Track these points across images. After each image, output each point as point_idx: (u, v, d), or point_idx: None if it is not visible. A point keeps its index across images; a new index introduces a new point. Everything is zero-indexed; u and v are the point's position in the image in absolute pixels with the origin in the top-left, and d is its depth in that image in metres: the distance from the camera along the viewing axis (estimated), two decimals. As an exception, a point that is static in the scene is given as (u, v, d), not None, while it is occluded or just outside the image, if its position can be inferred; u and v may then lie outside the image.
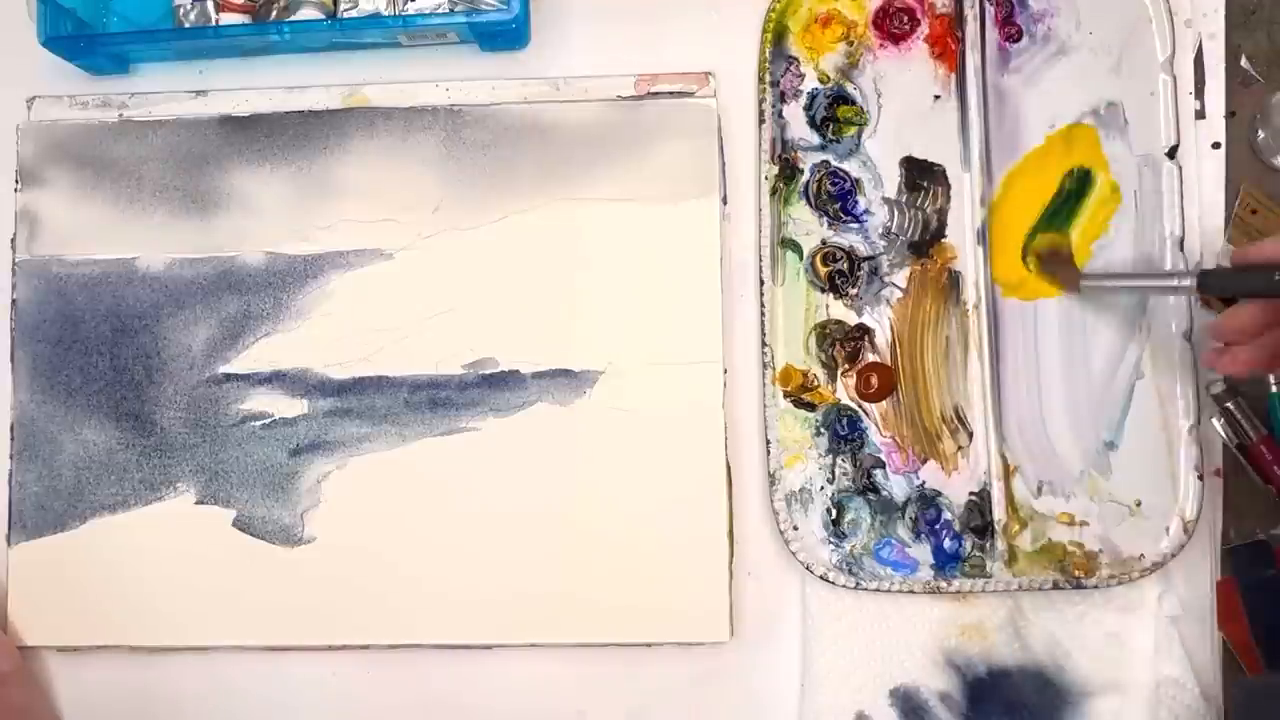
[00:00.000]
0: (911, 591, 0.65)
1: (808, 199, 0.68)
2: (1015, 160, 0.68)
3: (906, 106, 0.68)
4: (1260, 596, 0.62)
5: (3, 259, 0.71)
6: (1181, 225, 0.66)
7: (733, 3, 0.69)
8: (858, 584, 0.65)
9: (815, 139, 0.69)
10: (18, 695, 0.67)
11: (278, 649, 0.68)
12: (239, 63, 0.71)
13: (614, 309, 0.67)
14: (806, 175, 0.68)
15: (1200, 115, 0.68)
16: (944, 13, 0.68)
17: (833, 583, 0.66)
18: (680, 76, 0.69)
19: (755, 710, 0.67)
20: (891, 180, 0.68)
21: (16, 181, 0.70)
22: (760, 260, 0.68)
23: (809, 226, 0.68)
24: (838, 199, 0.68)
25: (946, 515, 0.66)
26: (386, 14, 0.69)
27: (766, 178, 0.68)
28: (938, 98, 0.68)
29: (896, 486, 0.66)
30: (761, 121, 0.68)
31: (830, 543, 0.66)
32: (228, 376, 0.68)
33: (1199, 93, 0.68)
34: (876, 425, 0.67)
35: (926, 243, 0.68)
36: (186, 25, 0.70)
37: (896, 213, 0.68)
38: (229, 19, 0.69)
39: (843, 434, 0.67)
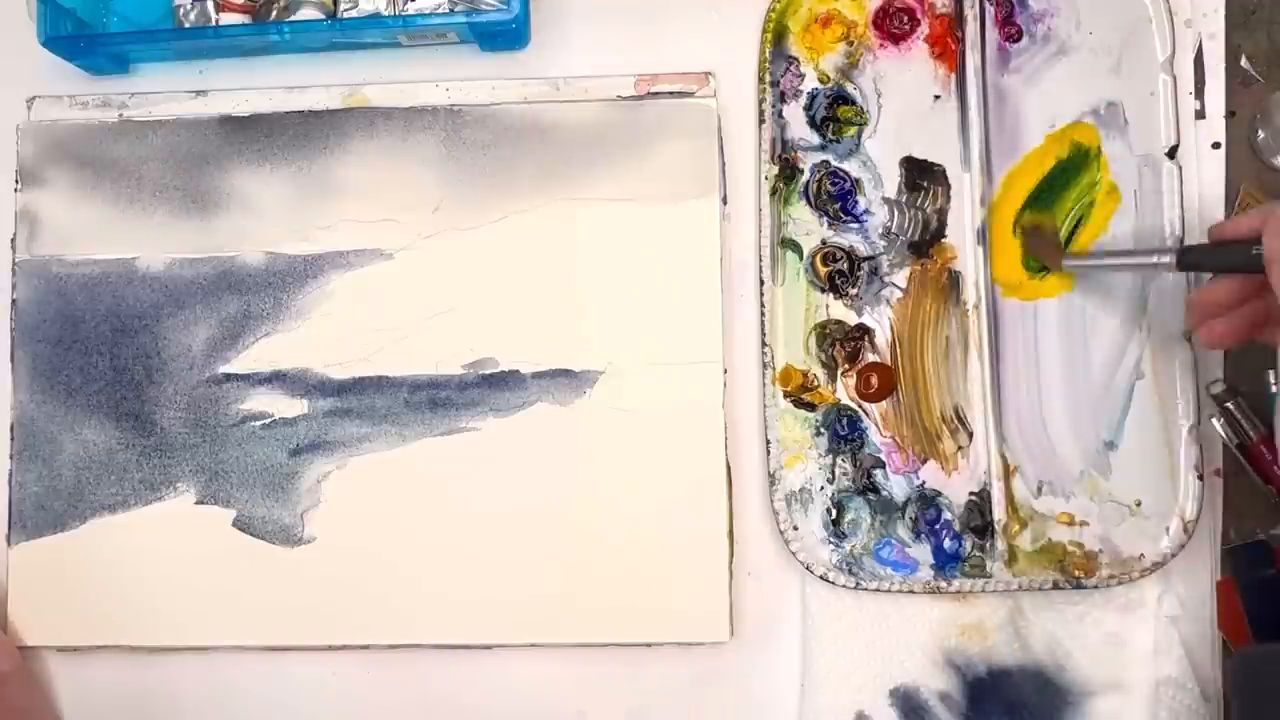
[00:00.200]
0: (911, 591, 0.65)
1: (808, 199, 0.68)
2: (1015, 160, 0.68)
3: (906, 106, 0.68)
4: (1260, 596, 0.62)
5: (3, 259, 0.71)
6: (1182, 225, 0.66)
7: (733, 3, 0.69)
8: (858, 584, 0.65)
9: (815, 139, 0.69)
10: (18, 695, 0.67)
11: (278, 649, 0.68)
12: (239, 63, 0.71)
13: (614, 309, 0.67)
14: (806, 175, 0.68)
15: (1200, 115, 0.68)
16: (944, 13, 0.68)
17: (833, 583, 0.66)
18: (680, 76, 0.69)
19: (755, 710, 0.67)
20: (891, 180, 0.68)
21: (16, 181, 0.70)
22: (760, 260, 0.68)
23: (809, 226, 0.68)
24: (838, 199, 0.68)
25: (946, 515, 0.66)
26: (386, 14, 0.69)
27: (766, 178, 0.68)
28: (938, 98, 0.68)
29: (896, 486, 0.66)
30: (761, 121, 0.68)
31: (830, 543, 0.66)
32: (228, 376, 0.69)
33: (1199, 93, 0.68)
34: (876, 425, 0.67)
35: (926, 243, 0.68)
36: (186, 25, 0.70)
37: (896, 213, 0.68)
38: (229, 19, 0.69)
39: (843, 434, 0.67)
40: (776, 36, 0.69)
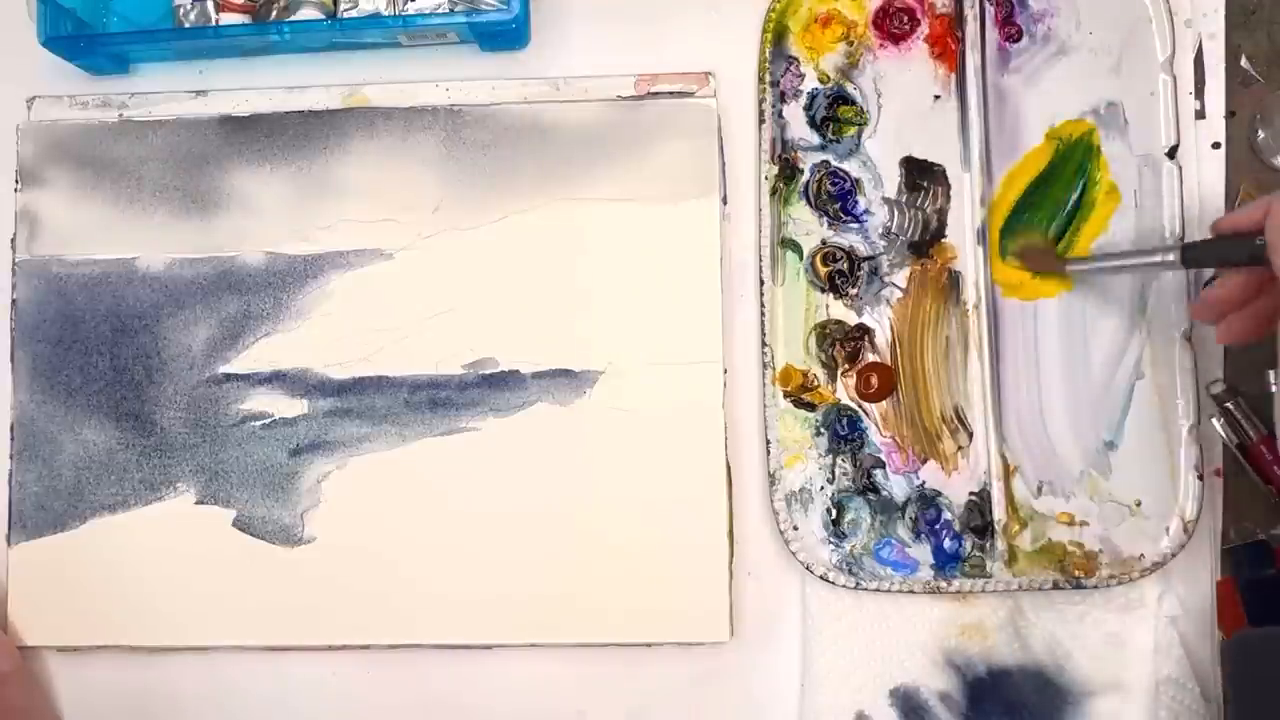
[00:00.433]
0: (911, 591, 0.65)
1: (808, 199, 0.68)
2: (1015, 160, 0.68)
3: (906, 106, 0.68)
4: (1260, 596, 0.62)
5: (3, 259, 0.71)
6: (1181, 225, 0.66)
7: (733, 3, 0.69)
8: (858, 584, 0.65)
9: (815, 139, 0.69)
10: (18, 695, 0.67)
11: (278, 649, 0.68)
12: (239, 63, 0.71)
13: (614, 309, 0.67)
14: (806, 175, 0.68)
15: (1200, 115, 0.68)
16: (944, 13, 0.68)
17: (833, 583, 0.66)
18: (680, 76, 0.69)
19: (755, 710, 0.67)
20: (891, 180, 0.68)
21: (16, 181, 0.70)
22: (760, 260, 0.68)
23: (809, 226, 0.68)
24: (838, 199, 0.68)
25: (946, 515, 0.66)
26: (386, 14, 0.69)
27: (766, 178, 0.68)
28: (938, 98, 0.68)
29: (896, 486, 0.66)
30: (761, 121, 0.68)
31: (830, 543, 0.66)
32: (228, 376, 0.69)
33: (1199, 93, 0.68)
34: (876, 425, 0.67)
35: (926, 243, 0.68)
36: (186, 25, 0.70)
37: (896, 213, 0.68)
38: (229, 19, 0.69)
39: (843, 434, 0.67)
40: (776, 36, 0.69)
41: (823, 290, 0.68)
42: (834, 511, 0.66)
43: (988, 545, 0.66)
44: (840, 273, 0.68)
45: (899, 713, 0.66)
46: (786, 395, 0.67)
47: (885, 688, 0.66)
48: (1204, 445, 0.65)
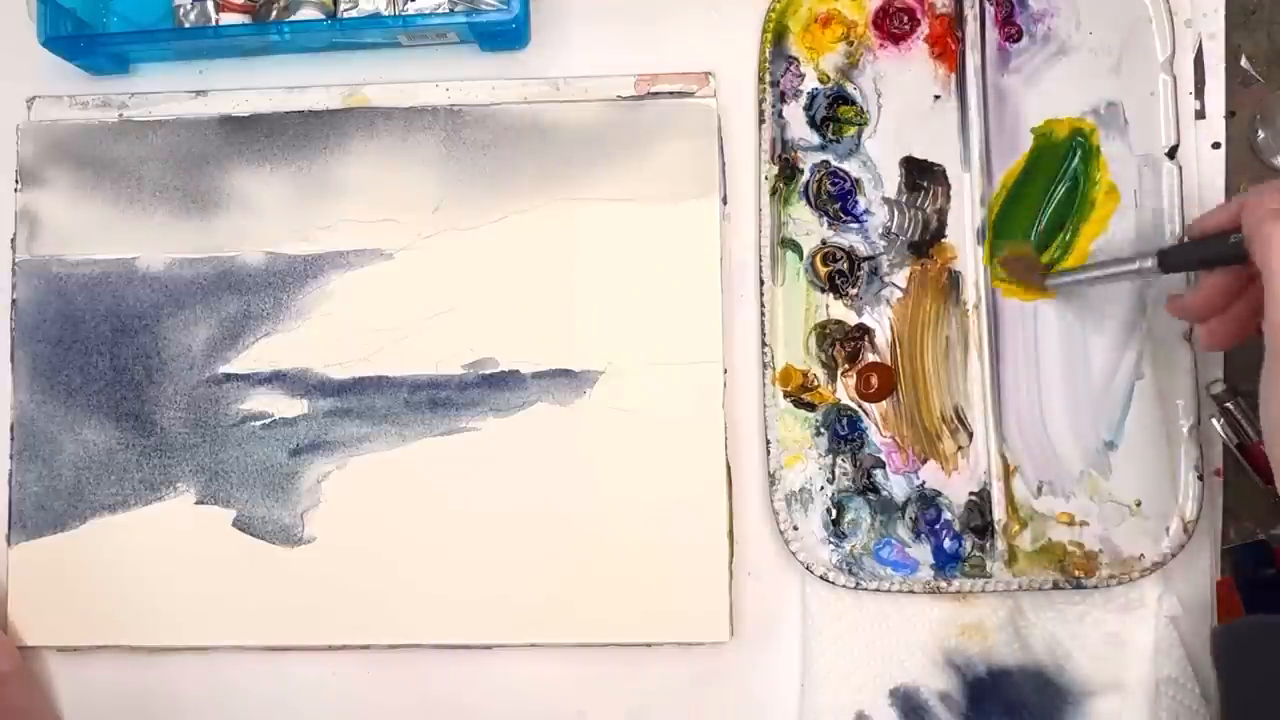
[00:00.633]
0: (911, 591, 0.65)
1: (808, 199, 0.68)
2: (1015, 160, 0.68)
3: (906, 106, 0.68)
4: (1260, 596, 0.62)
5: (3, 259, 0.71)
6: (1181, 226, 0.66)
7: (733, 3, 0.69)
8: (858, 584, 0.65)
9: (815, 139, 0.69)
10: (18, 695, 0.67)
11: (278, 649, 0.68)
12: (239, 63, 0.71)
13: (614, 309, 0.67)
14: (806, 175, 0.68)
15: (1200, 115, 0.68)
16: (944, 13, 0.68)
17: (833, 583, 0.66)
18: (680, 76, 0.69)
19: (755, 710, 0.67)
20: (891, 180, 0.68)
21: (16, 181, 0.70)
22: (760, 260, 0.68)
23: (809, 226, 0.68)
24: (838, 199, 0.68)
25: (946, 515, 0.66)
26: (386, 14, 0.69)
27: (766, 178, 0.68)
28: (938, 98, 0.68)
29: (896, 486, 0.66)
30: (761, 121, 0.68)
31: (830, 543, 0.66)
32: (228, 376, 0.69)
33: (1199, 93, 0.68)
34: (876, 425, 0.67)
35: (926, 243, 0.68)
36: (186, 25, 0.70)
37: (896, 213, 0.68)
38: (229, 19, 0.69)
39: (843, 434, 0.67)
40: (776, 36, 0.69)
41: (823, 290, 0.68)
42: (834, 511, 0.66)
43: (988, 545, 0.66)
44: (840, 273, 0.68)
45: (899, 713, 0.66)
46: (786, 395, 0.67)
47: (885, 688, 0.66)
48: (1204, 445, 0.65)
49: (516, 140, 0.68)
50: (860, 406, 0.67)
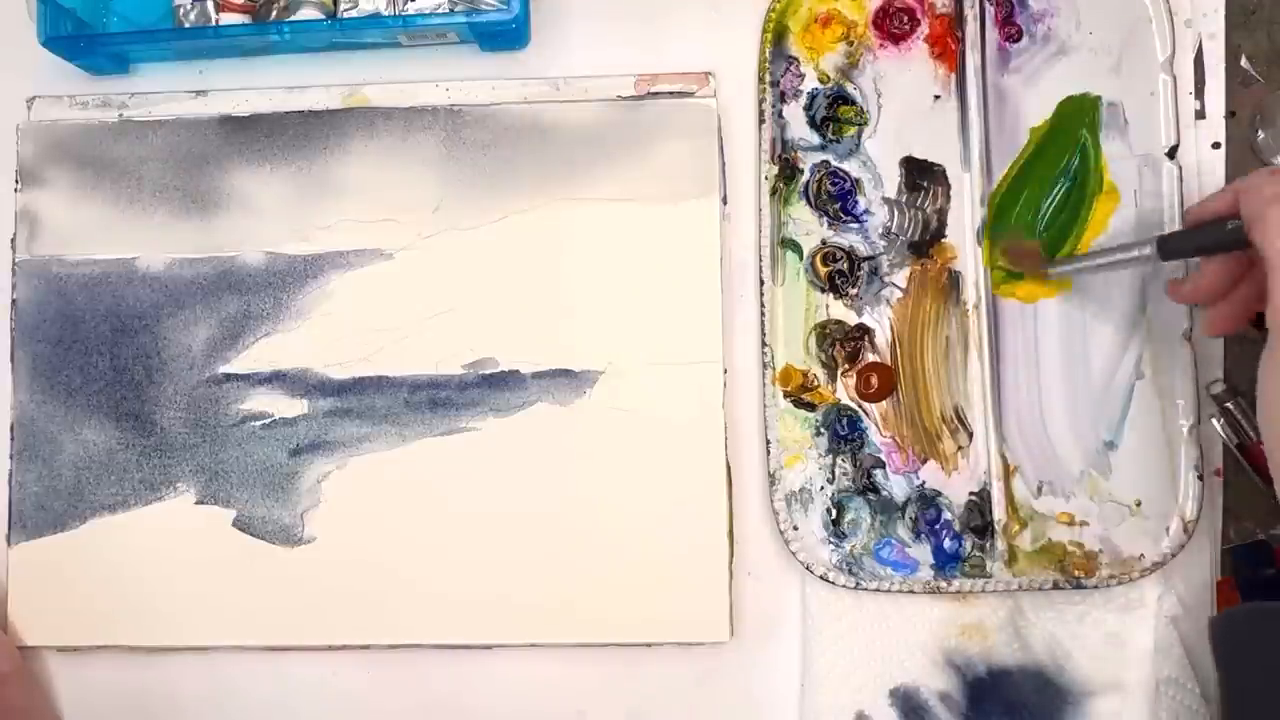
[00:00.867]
0: (911, 591, 0.65)
1: (808, 199, 0.68)
2: (1016, 158, 0.68)
3: (906, 106, 0.68)
4: (1260, 596, 0.62)
5: (3, 259, 0.71)
6: (1181, 225, 0.66)
7: (733, 3, 0.69)
8: (858, 584, 0.65)
9: (815, 139, 0.69)
10: (18, 695, 0.67)
11: (278, 649, 0.68)
12: (239, 63, 0.71)
13: (614, 309, 0.67)
14: (806, 175, 0.68)
15: (1200, 115, 0.68)
16: (944, 13, 0.68)
17: (833, 583, 0.66)
18: (680, 76, 0.69)
19: (755, 710, 0.67)
20: (891, 180, 0.68)
21: (16, 181, 0.70)
22: (760, 260, 0.68)
23: (809, 226, 0.68)
24: (838, 199, 0.68)
25: (946, 515, 0.66)
26: (386, 14, 0.69)
27: (766, 178, 0.68)
28: (938, 98, 0.68)
29: (896, 486, 0.66)
30: (761, 121, 0.68)
31: (830, 543, 0.66)
32: (228, 376, 0.69)
33: (1199, 93, 0.68)
34: (876, 425, 0.67)
35: (926, 243, 0.68)
36: (186, 25, 0.70)
37: (896, 213, 0.68)
38: (229, 19, 0.69)
39: (843, 434, 0.67)
40: (776, 36, 0.69)
41: (823, 290, 0.68)
42: (834, 511, 0.66)
43: (988, 545, 0.66)
44: (840, 273, 0.68)
45: (899, 713, 0.66)
46: (786, 395, 0.67)
47: (885, 688, 0.66)
48: (1204, 445, 0.65)
49: (516, 140, 0.68)
50: (860, 406, 0.67)
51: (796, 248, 0.68)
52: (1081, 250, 0.66)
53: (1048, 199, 0.67)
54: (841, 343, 0.67)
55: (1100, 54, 0.67)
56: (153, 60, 0.72)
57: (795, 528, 0.66)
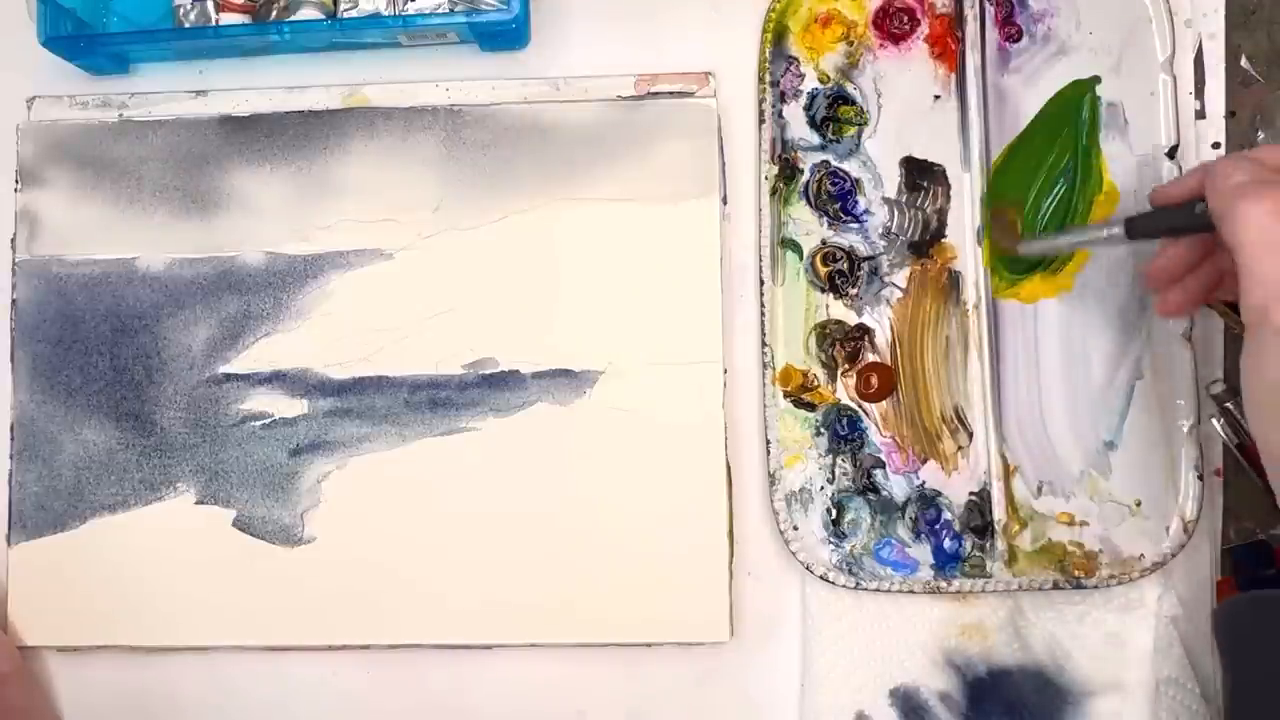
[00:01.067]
0: (911, 591, 0.65)
1: (808, 199, 0.68)
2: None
3: (906, 106, 0.68)
4: (1260, 596, 0.62)
5: (3, 259, 0.71)
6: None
7: (733, 3, 0.69)
8: (858, 584, 0.65)
9: (815, 139, 0.69)
10: (18, 695, 0.67)
11: (278, 649, 0.68)
12: (239, 63, 0.71)
13: (614, 309, 0.67)
14: (806, 175, 0.68)
15: (1200, 115, 0.68)
16: (944, 13, 0.68)
17: (833, 583, 0.66)
18: (680, 76, 0.69)
19: (755, 710, 0.67)
20: (891, 180, 0.68)
21: (16, 181, 0.70)
22: (760, 260, 0.68)
23: (809, 226, 0.68)
24: (838, 199, 0.68)
25: (946, 515, 0.66)
26: (386, 14, 0.69)
27: (766, 178, 0.68)
28: (938, 98, 0.68)
29: (896, 486, 0.66)
30: (761, 121, 0.68)
31: (830, 543, 0.66)
32: (228, 376, 0.69)
33: (1199, 93, 0.68)
34: (876, 425, 0.67)
35: (926, 243, 0.68)
36: (186, 25, 0.70)
37: (896, 213, 0.68)
38: (229, 19, 0.69)
39: (843, 434, 0.67)
40: (776, 36, 0.69)
41: (823, 290, 0.68)
42: (834, 511, 0.66)
43: (988, 545, 0.66)
44: (840, 273, 0.68)
45: (899, 713, 0.66)
46: (786, 395, 0.67)
47: (885, 688, 0.66)
48: (1204, 445, 0.65)
49: (516, 140, 0.68)
50: (860, 406, 0.67)
51: (796, 248, 0.68)
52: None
53: (1048, 199, 0.67)
54: (841, 343, 0.67)
55: (1100, 54, 0.67)
56: (153, 60, 0.72)
57: (795, 528, 0.66)
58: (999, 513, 0.66)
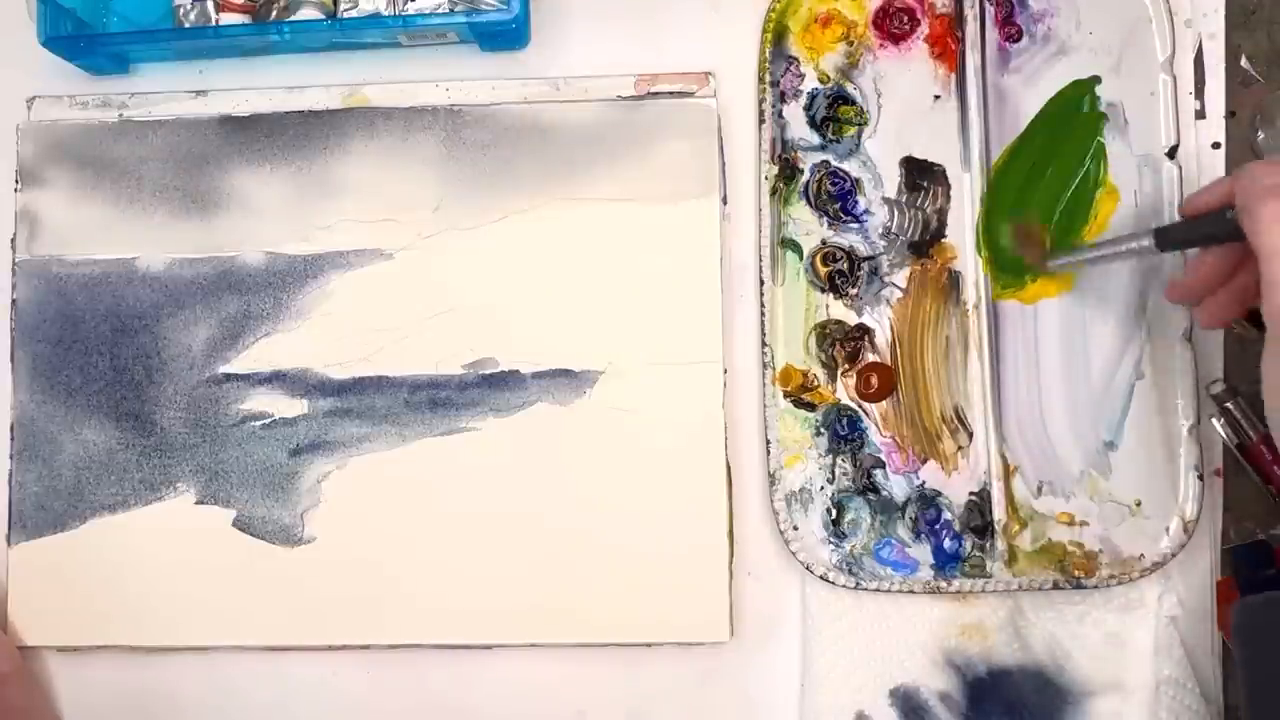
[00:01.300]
0: (911, 591, 0.65)
1: (808, 199, 0.68)
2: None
3: (906, 106, 0.68)
4: (1260, 596, 0.62)
5: (3, 259, 0.71)
6: (1182, 225, 0.66)
7: (733, 3, 0.69)
8: (858, 584, 0.65)
9: (815, 139, 0.69)
10: (18, 695, 0.67)
11: (278, 649, 0.68)
12: (239, 63, 0.71)
13: (614, 309, 0.67)
14: (806, 175, 0.68)
15: (1200, 115, 0.68)
16: (944, 13, 0.68)
17: (833, 583, 0.66)
18: (680, 76, 0.69)
19: (755, 710, 0.67)
20: (891, 180, 0.68)
21: (16, 181, 0.70)
22: (760, 260, 0.68)
23: (809, 226, 0.68)
24: (838, 199, 0.68)
25: (946, 515, 0.66)
26: (386, 14, 0.69)
27: (766, 178, 0.68)
28: (938, 98, 0.68)
29: (896, 486, 0.66)
30: (761, 121, 0.68)
31: (830, 543, 0.66)
32: (228, 376, 0.69)
33: (1199, 93, 0.68)
34: (876, 425, 0.67)
35: (926, 243, 0.68)
36: (186, 25, 0.70)
37: (896, 213, 0.68)
38: (229, 19, 0.69)
39: (843, 434, 0.67)
40: (776, 36, 0.69)
41: (823, 290, 0.68)
42: (834, 511, 0.66)
43: (988, 545, 0.66)
44: (840, 273, 0.68)
45: (899, 713, 0.66)
46: (786, 395, 0.67)
47: (885, 688, 0.66)
48: (1204, 445, 0.65)
49: (516, 140, 0.68)
50: (860, 406, 0.67)
51: (796, 248, 0.68)
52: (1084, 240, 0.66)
53: (1059, 197, 0.67)
54: (841, 343, 0.67)
55: (1100, 54, 0.67)
56: (153, 60, 0.72)
57: (795, 528, 0.66)
58: (999, 513, 0.66)
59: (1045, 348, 0.66)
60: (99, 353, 0.69)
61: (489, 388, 0.67)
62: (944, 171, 0.68)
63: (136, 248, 0.69)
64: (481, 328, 0.68)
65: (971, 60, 0.68)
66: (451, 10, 0.68)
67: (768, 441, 0.67)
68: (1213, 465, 0.66)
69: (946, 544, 0.66)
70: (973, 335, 0.67)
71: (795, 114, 0.69)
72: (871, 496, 0.66)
